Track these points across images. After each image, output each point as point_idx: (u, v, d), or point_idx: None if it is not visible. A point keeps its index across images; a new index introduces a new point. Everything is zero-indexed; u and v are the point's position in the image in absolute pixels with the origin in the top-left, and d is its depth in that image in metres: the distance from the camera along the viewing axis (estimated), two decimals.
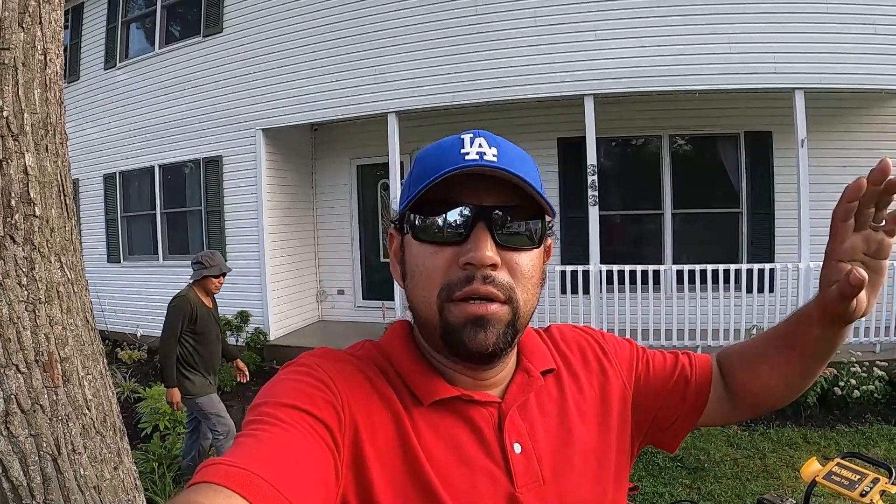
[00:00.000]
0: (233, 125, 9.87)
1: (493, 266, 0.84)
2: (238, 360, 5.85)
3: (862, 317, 0.87)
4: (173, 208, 10.93)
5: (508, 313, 0.86)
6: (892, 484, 3.56)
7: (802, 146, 7.34)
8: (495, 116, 9.00)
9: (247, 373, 5.82)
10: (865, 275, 0.80)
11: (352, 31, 8.89)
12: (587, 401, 1.02)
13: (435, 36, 8.47)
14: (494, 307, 0.85)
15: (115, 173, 11.29)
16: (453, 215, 0.86)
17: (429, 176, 0.86)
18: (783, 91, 7.58)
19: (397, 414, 0.86)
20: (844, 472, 3.77)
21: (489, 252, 0.83)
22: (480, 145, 0.88)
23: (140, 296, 10.94)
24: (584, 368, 1.06)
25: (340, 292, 10.77)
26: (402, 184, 0.99)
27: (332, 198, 10.83)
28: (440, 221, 0.87)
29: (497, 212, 0.86)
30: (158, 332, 5.27)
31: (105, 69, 11.33)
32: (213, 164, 10.13)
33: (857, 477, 3.69)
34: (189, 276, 5.42)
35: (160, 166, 10.80)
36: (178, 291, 5.34)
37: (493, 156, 0.87)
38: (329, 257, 10.94)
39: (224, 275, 5.38)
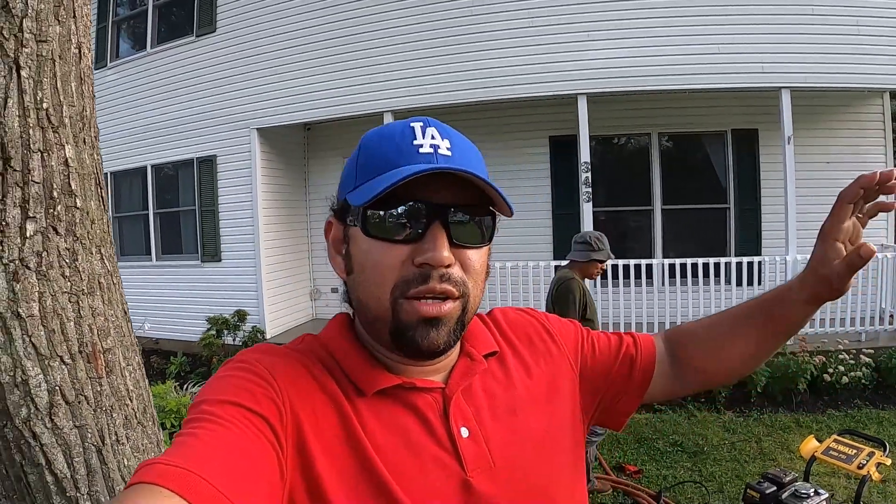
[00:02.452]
0: (227, 125, 9.92)
1: (449, 265, 0.84)
2: None
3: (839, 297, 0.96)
4: (166, 208, 10.95)
5: (459, 309, 0.86)
6: (887, 457, 3.78)
7: (789, 143, 7.57)
8: (489, 115, 9.19)
9: None
10: (875, 249, 0.89)
11: (346, 31, 9.00)
12: (535, 382, 1.02)
13: (429, 36, 8.60)
14: (448, 306, 0.85)
15: (106, 174, 11.20)
16: (409, 213, 0.84)
17: (379, 166, 0.85)
18: (770, 90, 7.81)
19: (340, 405, 0.85)
20: (841, 448, 3.99)
21: (447, 253, 0.83)
22: (433, 137, 0.87)
23: (134, 296, 10.89)
24: (530, 350, 1.07)
25: (334, 290, 10.82)
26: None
27: (325, 197, 10.82)
28: (394, 218, 0.84)
29: (453, 210, 0.85)
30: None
31: (96, 69, 11.26)
32: (207, 164, 10.17)
33: (854, 451, 3.91)
34: (566, 256, 4.89)
35: (153, 166, 10.81)
36: (560, 273, 4.77)
37: (448, 149, 0.86)
38: (322, 256, 10.84)
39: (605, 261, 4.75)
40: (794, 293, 1.01)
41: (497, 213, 0.91)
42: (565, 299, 4.52)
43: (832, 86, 7.79)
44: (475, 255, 0.88)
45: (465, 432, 0.89)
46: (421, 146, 0.85)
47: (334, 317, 1.00)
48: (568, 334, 1.13)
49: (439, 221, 0.83)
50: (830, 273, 0.92)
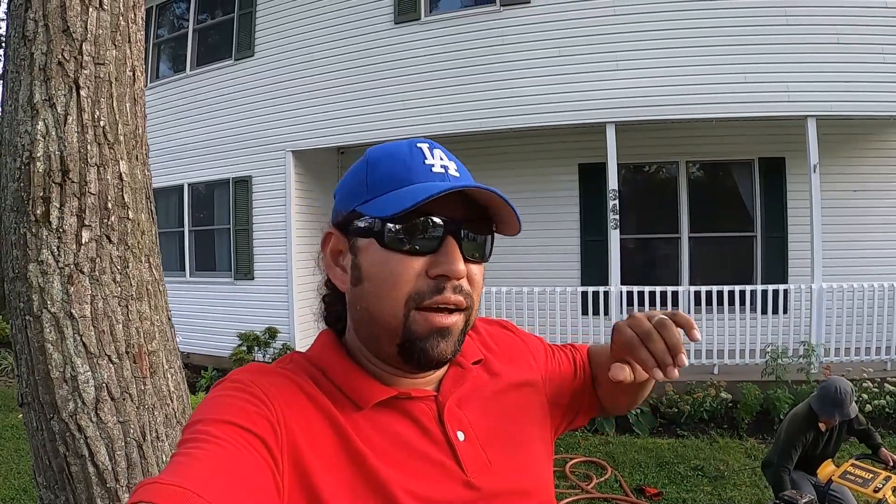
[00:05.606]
0: (263, 146, 10.18)
1: (461, 277, 0.87)
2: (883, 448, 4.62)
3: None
4: (202, 226, 11.22)
5: (463, 321, 0.89)
6: None
7: (815, 171, 7.60)
8: (519, 142, 9.36)
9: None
10: (627, 372, 0.97)
11: (379, 59, 9.25)
12: (515, 387, 1.06)
13: (461, 64, 8.80)
14: (455, 318, 0.87)
15: None
16: (427, 227, 0.86)
17: (394, 181, 0.88)
18: (796, 118, 7.86)
19: (335, 420, 0.86)
20: (858, 472, 4.06)
21: (462, 266, 0.86)
22: (442, 158, 0.91)
23: None
24: (510, 358, 1.10)
25: None
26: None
27: None
28: (413, 231, 0.86)
29: (465, 226, 0.88)
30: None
31: None
32: (243, 184, 10.42)
33: (871, 475, 3.98)
34: None
35: (189, 185, 11.09)
36: (801, 409, 4.51)
37: (455, 170, 0.90)
38: None
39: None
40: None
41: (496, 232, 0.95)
42: (784, 434, 4.35)
43: (858, 114, 7.83)
44: (479, 271, 0.91)
45: (461, 436, 0.93)
46: (433, 166, 0.89)
47: (320, 334, 1.02)
48: (538, 349, 1.18)
49: (453, 236, 0.86)
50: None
